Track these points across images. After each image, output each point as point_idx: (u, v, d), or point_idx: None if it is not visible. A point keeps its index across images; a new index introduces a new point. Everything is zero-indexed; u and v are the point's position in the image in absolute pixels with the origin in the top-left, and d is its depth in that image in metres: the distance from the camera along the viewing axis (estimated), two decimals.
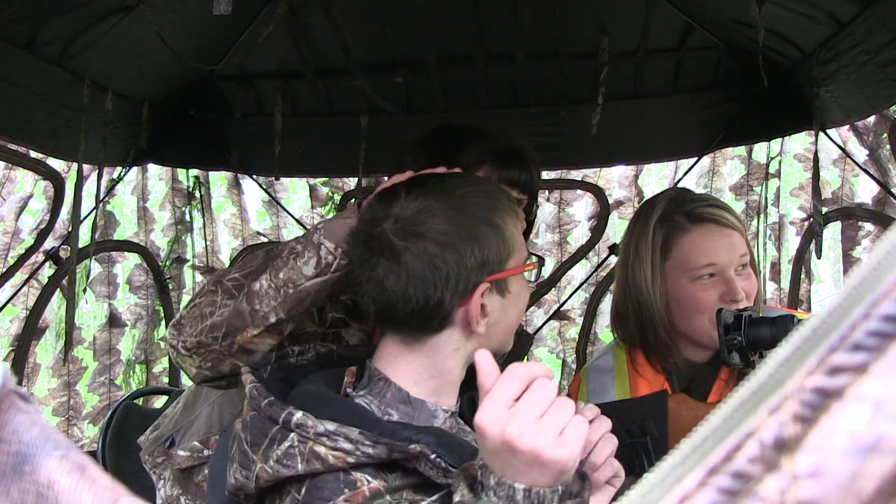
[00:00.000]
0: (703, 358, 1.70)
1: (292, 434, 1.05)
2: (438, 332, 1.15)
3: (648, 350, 1.72)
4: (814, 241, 2.68)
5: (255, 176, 3.17)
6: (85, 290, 2.80)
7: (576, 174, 3.16)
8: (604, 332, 3.21)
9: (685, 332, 1.68)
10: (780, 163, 3.01)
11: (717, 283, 1.63)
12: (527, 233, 1.82)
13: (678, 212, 1.68)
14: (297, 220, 3.23)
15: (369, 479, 1.03)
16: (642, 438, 1.39)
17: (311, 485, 1.05)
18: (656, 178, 3.32)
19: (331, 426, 1.03)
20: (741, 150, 3.06)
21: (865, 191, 2.75)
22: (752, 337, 1.45)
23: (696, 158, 2.97)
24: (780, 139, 2.93)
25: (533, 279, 1.27)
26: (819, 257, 2.74)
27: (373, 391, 1.16)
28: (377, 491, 1.02)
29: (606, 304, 3.17)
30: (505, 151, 1.69)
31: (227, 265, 3.30)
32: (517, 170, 1.66)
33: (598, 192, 3.16)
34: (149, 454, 1.85)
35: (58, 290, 2.77)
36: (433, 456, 1.02)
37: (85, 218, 2.66)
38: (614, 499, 1.10)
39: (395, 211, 1.12)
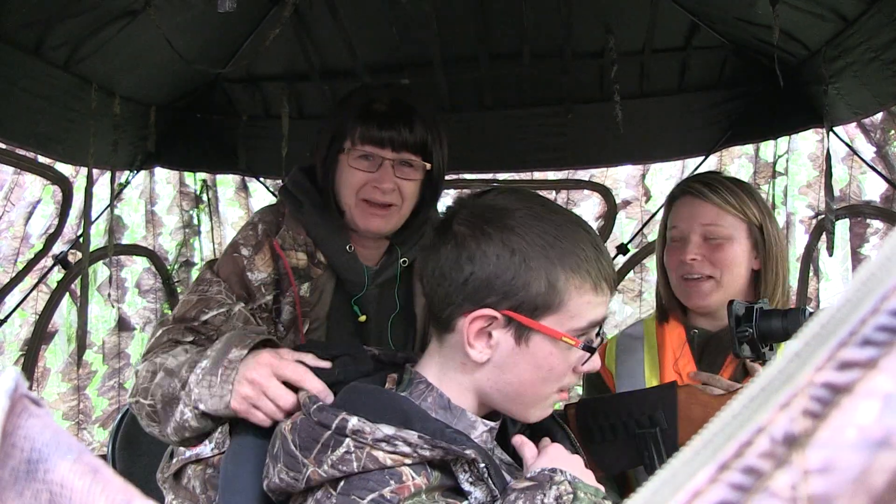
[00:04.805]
0: (714, 327, 1.78)
1: (347, 440, 1.04)
2: (448, 330, 1.12)
3: (665, 317, 1.85)
4: (825, 239, 2.67)
5: (262, 178, 3.17)
6: (109, 295, 2.80)
7: (583, 174, 3.16)
8: (612, 331, 3.20)
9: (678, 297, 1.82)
10: (787, 161, 3.00)
11: (680, 246, 1.77)
12: (433, 194, 1.74)
13: (677, 187, 1.87)
14: None
15: (414, 475, 1.03)
16: (651, 429, 1.39)
17: (355, 476, 1.04)
18: (663, 177, 3.31)
19: (388, 430, 1.02)
20: (748, 148, 3.05)
21: (873, 188, 2.74)
22: (763, 329, 1.45)
23: (702, 157, 2.97)
24: (786, 137, 2.92)
25: (580, 368, 1.13)
26: (831, 254, 2.73)
27: (413, 394, 1.16)
28: (420, 487, 1.02)
29: (615, 304, 3.16)
30: (375, 110, 1.59)
31: None
32: (387, 129, 1.58)
33: (605, 192, 3.15)
34: (160, 472, 1.87)
35: (66, 294, 2.78)
36: (482, 465, 1.04)
37: (94, 221, 2.67)
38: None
39: (478, 200, 1.12)
